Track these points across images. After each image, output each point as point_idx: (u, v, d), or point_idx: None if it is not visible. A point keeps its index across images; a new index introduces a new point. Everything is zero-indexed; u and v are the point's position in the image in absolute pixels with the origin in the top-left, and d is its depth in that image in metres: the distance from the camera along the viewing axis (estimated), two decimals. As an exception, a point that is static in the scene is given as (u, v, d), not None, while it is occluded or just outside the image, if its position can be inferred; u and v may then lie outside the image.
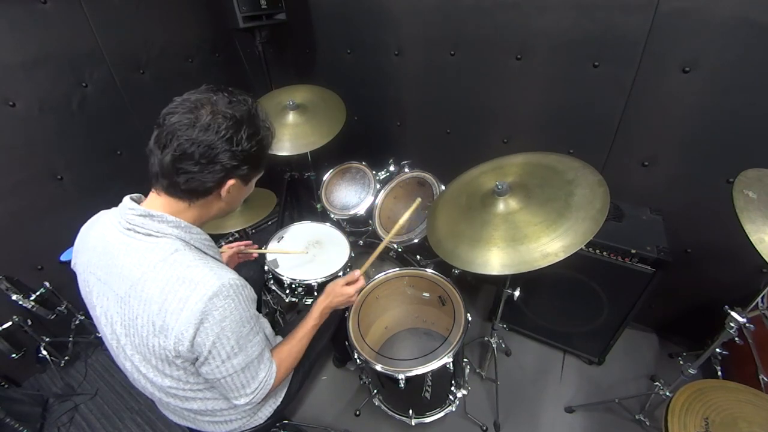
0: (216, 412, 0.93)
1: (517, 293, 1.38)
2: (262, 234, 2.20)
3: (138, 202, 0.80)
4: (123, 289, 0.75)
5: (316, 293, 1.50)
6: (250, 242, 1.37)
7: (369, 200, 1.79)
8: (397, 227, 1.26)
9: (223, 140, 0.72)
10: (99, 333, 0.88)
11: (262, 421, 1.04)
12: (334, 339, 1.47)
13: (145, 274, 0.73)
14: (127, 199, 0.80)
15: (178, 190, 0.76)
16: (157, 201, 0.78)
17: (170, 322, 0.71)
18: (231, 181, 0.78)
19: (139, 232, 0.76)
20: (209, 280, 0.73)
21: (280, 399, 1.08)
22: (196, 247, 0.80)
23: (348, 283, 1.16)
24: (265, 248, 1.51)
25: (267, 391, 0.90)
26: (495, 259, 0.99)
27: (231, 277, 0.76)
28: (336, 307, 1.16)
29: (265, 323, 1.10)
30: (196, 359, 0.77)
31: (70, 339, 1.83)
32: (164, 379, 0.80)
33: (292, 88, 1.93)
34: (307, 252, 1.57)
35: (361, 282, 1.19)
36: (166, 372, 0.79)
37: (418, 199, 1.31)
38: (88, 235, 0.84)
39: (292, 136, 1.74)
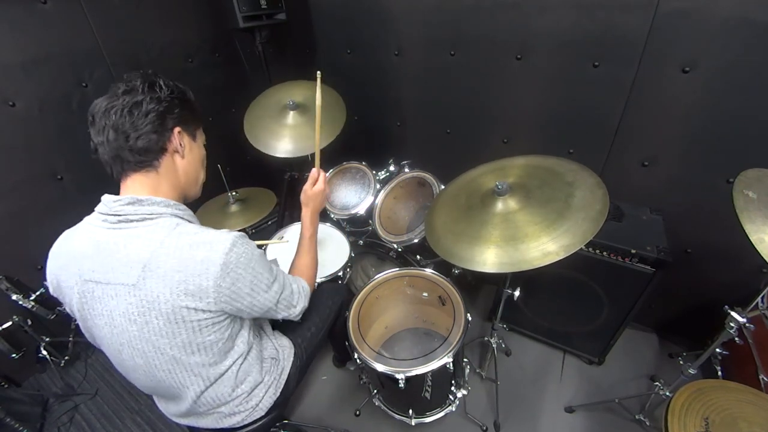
0: (224, 401, 0.94)
1: (517, 293, 1.38)
2: (262, 234, 2.20)
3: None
4: (134, 275, 0.74)
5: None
6: None
7: (369, 200, 1.79)
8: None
9: (143, 93, 0.78)
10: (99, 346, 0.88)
11: (263, 413, 1.04)
12: (333, 339, 1.47)
13: (155, 251, 0.74)
14: (105, 196, 0.81)
15: (137, 158, 0.79)
16: (131, 186, 0.81)
17: (201, 282, 0.75)
18: (176, 129, 0.83)
19: (133, 220, 0.77)
20: (220, 236, 0.78)
21: (280, 390, 1.08)
22: (190, 222, 0.84)
23: (314, 183, 1.24)
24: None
25: (308, 294, 1.07)
26: (494, 258, 0.99)
27: (233, 231, 0.82)
28: (321, 208, 1.26)
29: (264, 320, 1.12)
30: (241, 311, 0.84)
31: (70, 339, 1.83)
32: (191, 357, 0.82)
33: (292, 84, 1.90)
34: (288, 241, 1.60)
35: (322, 173, 1.26)
36: (198, 341, 0.81)
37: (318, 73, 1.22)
38: (71, 246, 0.81)
39: (292, 137, 1.73)
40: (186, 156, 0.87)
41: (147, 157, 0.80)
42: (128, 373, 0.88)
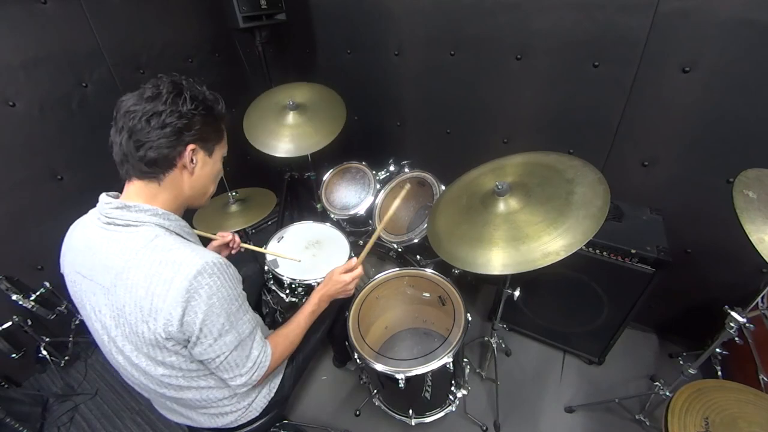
0: (211, 402, 0.93)
1: (517, 293, 1.38)
2: (262, 234, 2.21)
3: (115, 198, 0.82)
4: (108, 280, 0.76)
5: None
6: (239, 242, 1.34)
7: (369, 200, 1.79)
8: (389, 214, 1.24)
9: (167, 104, 0.75)
10: (90, 332, 0.88)
11: (257, 414, 1.04)
12: (333, 339, 1.47)
13: (129, 261, 0.74)
14: (103, 195, 0.82)
15: (143, 168, 0.78)
16: (131, 190, 0.81)
17: (158, 304, 0.72)
18: (190, 146, 0.80)
19: (118, 224, 0.78)
20: (192, 259, 0.74)
21: (274, 390, 1.08)
22: (176, 233, 0.82)
23: (346, 271, 1.16)
24: (250, 243, 1.45)
25: (263, 372, 0.91)
26: (496, 259, 0.99)
27: (214, 256, 0.78)
28: (334, 296, 1.16)
29: (258, 319, 1.11)
30: (188, 341, 0.77)
31: (70, 339, 1.83)
32: (157, 368, 0.81)
33: (292, 86, 1.92)
34: (300, 261, 1.54)
35: (359, 270, 1.18)
36: (159, 359, 0.79)
37: (407, 185, 1.26)
38: (71, 237, 0.86)
39: (292, 137, 1.73)
40: (196, 172, 0.84)
41: (153, 169, 0.79)
42: (116, 367, 0.88)
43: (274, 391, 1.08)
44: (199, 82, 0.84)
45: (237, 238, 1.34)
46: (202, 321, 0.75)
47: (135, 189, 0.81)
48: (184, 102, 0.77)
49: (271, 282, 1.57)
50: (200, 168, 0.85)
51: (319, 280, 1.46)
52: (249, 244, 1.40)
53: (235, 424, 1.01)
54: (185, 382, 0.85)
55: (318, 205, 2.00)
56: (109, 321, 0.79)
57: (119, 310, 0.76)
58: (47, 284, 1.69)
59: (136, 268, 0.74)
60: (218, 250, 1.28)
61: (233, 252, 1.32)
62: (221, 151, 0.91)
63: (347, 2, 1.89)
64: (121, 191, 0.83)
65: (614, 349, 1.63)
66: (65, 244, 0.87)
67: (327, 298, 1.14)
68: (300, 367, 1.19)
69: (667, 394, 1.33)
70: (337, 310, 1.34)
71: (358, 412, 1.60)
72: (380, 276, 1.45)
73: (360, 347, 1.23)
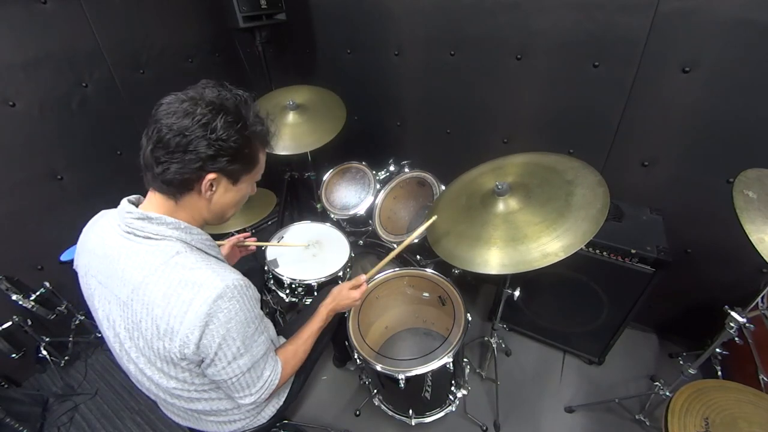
0: (221, 412, 0.93)
1: (517, 293, 1.37)
2: (262, 234, 2.20)
3: (136, 204, 0.79)
4: (125, 293, 0.74)
5: (315, 293, 1.50)
6: (248, 234, 1.35)
7: (369, 200, 1.79)
8: (410, 239, 1.20)
9: (197, 125, 0.69)
10: (100, 333, 0.87)
11: (264, 421, 1.04)
12: (334, 339, 1.47)
13: (147, 277, 0.72)
14: (124, 201, 0.78)
15: (160, 184, 0.74)
16: (152, 201, 0.78)
17: (175, 325, 0.70)
18: (211, 175, 0.74)
19: (138, 236, 0.75)
20: (213, 282, 0.72)
21: (283, 399, 1.09)
22: (197, 248, 0.79)
23: (353, 287, 1.15)
24: (265, 243, 1.47)
25: (272, 390, 0.90)
26: (495, 259, 0.99)
27: (235, 277, 0.75)
28: (341, 310, 1.15)
29: (270, 326, 1.11)
30: (202, 361, 0.76)
31: (70, 339, 1.83)
32: (169, 381, 0.80)
33: (293, 89, 1.93)
34: (308, 246, 1.54)
35: (365, 287, 1.17)
36: (171, 374, 0.78)
37: (435, 217, 1.20)
38: (88, 236, 0.84)
39: (292, 135, 1.74)
40: (214, 199, 0.79)
41: (170, 188, 0.75)
42: (127, 373, 0.88)
43: (283, 400, 1.09)
44: (249, 98, 0.76)
45: (248, 240, 1.34)
46: (218, 345, 0.73)
47: (155, 201, 0.78)
48: (214, 129, 0.69)
49: (271, 282, 1.57)
50: (220, 196, 0.79)
51: (319, 280, 1.46)
52: (262, 242, 1.39)
53: (241, 430, 1.01)
54: (196, 395, 0.85)
55: (318, 205, 2.00)
56: (123, 333, 0.77)
57: (134, 324, 0.74)
58: (47, 284, 1.68)
59: (153, 284, 0.71)
60: (232, 252, 1.27)
61: (248, 248, 1.33)
62: (252, 178, 0.85)
63: (347, 2, 1.88)
64: (120, 193, 0.81)
65: (614, 349, 1.63)
66: (81, 244, 0.85)
67: (334, 312, 1.13)
68: (307, 372, 1.20)
69: (667, 394, 1.33)
70: (341, 315, 1.34)
71: (358, 412, 1.60)
72: (380, 276, 1.45)
73: (360, 347, 1.23)
